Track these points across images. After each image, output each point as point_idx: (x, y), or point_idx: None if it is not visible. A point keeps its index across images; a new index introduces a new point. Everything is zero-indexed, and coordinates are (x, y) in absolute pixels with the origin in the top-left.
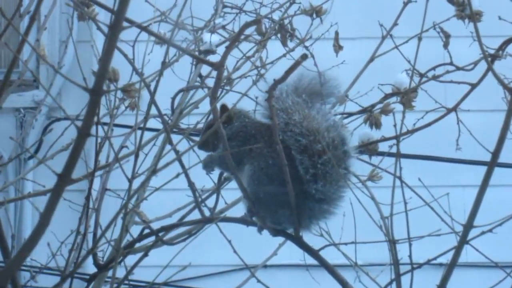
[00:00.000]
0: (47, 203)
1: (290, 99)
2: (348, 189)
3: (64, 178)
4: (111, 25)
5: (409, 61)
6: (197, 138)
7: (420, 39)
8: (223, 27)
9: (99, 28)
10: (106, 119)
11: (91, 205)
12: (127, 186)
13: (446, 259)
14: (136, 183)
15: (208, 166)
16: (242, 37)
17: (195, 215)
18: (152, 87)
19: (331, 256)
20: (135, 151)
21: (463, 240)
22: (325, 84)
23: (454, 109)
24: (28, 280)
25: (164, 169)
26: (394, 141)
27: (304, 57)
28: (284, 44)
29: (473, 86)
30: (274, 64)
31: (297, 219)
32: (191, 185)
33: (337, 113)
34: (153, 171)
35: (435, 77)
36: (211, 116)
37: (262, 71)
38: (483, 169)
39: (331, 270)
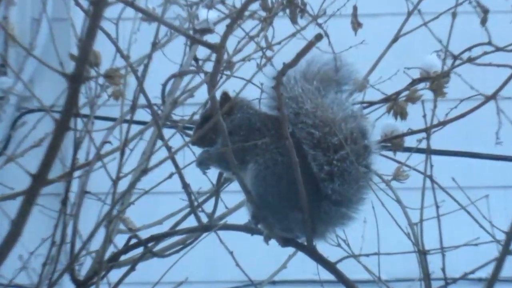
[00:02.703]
0: (19, 209)
1: (300, 87)
2: (369, 190)
3: (39, 179)
4: (94, 0)
5: (440, 41)
6: (192, 132)
7: (454, 15)
8: (223, 2)
9: (78, 4)
10: (86, 110)
11: (68, 211)
12: (111, 188)
13: (486, 272)
14: (122, 185)
15: (203, 163)
16: (245, 13)
17: (191, 222)
18: (139, 73)
19: (351, 269)
20: (120, 147)
21: (506, 250)
22: (340, 69)
23: (494, 96)
24: None
25: (154, 169)
26: (424, 134)
27: (318, 37)
28: (294, 21)
29: None
30: (282, 45)
31: (310, 226)
32: (185, 187)
33: (356, 102)
34: (142, 170)
35: (471, 59)
36: (209, 106)
37: (268, 53)
38: None
39: (351, 286)
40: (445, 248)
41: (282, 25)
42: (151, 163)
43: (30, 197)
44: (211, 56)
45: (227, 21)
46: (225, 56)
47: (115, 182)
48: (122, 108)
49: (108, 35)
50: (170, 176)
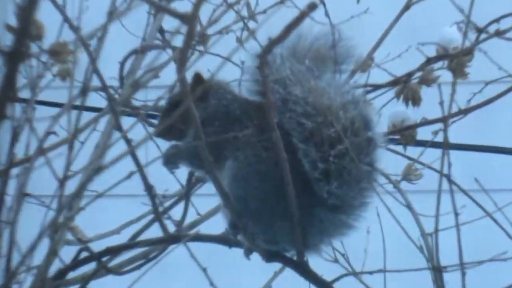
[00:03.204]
0: None
1: (288, 67)
2: (374, 193)
3: None
4: None
5: (461, 10)
6: (157, 122)
7: None
8: None
9: None
10: (26, 94)
11: (4, 217)
12: (57, 190)
13: None
14: (71, 186)
15: (171, 161)
16: None
17: (155, 232)
18: (92, 48)
19: None
20: (68, 139)
21: None
22: (337, 44)
23: None
24: None
25: (109, 166)
26: (440, 125)
27: (312, 5)
28: None
29: None
30: (268, 14)
31: (301, 237)
32: (148, 189)
33: (358, 84)
34: (95, 169)
35: (498, 33)
36: (177, 90)
37: (251, 25)
38: None
39: None
40: (466, 263)
41: None
42: (107, 160)
43: None
44: (180, 28)
45: None
46: (198, 28)
47: (61, 182)
48: (70, 91)
49: (53, 1)
50: (130, 175)
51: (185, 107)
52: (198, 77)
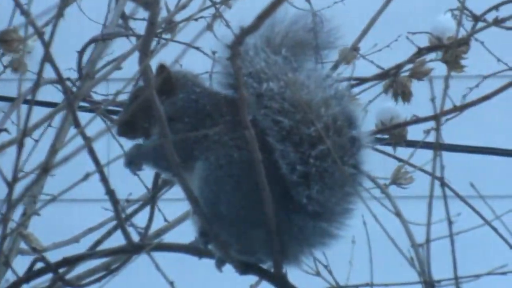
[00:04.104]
0: None
1: (263, 58)
2: (359, 199)
3: None
4: None
5: None
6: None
7: None
8: None
9: None
10: None
11: None
12: (6, 193)
13: None
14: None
15: (134, 161)
16: None
17: (117, 240)
18: (47, 36)
19: None
20: (19, 137)
21: None
22: (317, 27)
23: None
24: None
25: (58, 166)
26: (433, 123)
27: None
28: None
29: None
30: None
31: (278, 246)
32: (110, 192)
33: (341, 78)
34: (43, 169)
35: (497, 22)
36: (141, 83)
37: (223, 10)
38: None
39: None
40: (461, 278)
41: None
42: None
43: None
44: (143, 14)
45: None
46: (164, 14)
47: (11, 184)
48: (20, 84)
49: None
50: (86, 177)
51: (147, 101)
52: (163, 69)
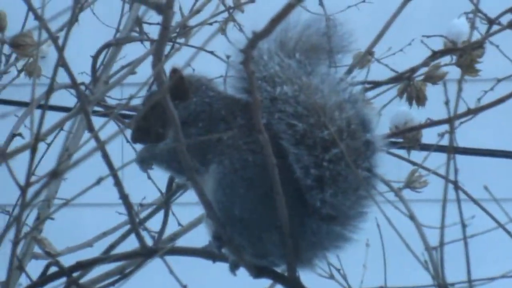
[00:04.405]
0: None
1: (277, 62)
2: (373, 203)
3: None
4: None
5: None
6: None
7: None
8: None
9: None
10: None
11: None
12: (19, 197)
13: None
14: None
15: (146, 161)
16: None
17: (131, 244)
18: (61, 41)
19: None
20: (32, 142)
21: None
22: (330, 31)
23: None
24: None
25: (68, 170)
26: (447, 126)
27: None
28: None
29: None
30: (253, 3)
31: (292, 250)
32: (124, 197)
33: (356, 81)
34: (52, 173)
35: None
36: (154, 88)
37: (236, 15)
38: None
39: None
40: (475, 280)
41: None
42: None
43: None
44: (157, 19)
45: None
46: (179, 19)
47: (24, 189)
48: (33, 89)
49: None
50: (99, 181)
51: (161, 106)
52: (176, 73)
